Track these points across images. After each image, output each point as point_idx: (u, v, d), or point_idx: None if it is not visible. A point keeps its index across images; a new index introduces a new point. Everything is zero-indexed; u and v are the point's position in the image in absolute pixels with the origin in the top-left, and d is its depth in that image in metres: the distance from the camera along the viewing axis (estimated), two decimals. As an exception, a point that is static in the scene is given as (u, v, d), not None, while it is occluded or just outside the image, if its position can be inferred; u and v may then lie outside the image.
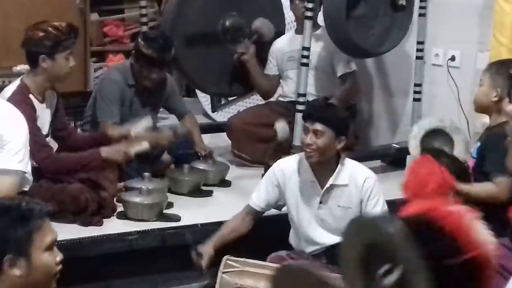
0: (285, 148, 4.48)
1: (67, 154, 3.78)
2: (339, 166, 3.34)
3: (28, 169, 3.28)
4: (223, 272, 3.16)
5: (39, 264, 2.05)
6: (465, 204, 1.51)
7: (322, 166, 3.34)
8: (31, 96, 3.65)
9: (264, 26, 4.98)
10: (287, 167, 3.43)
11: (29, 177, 3.34)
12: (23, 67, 4.21)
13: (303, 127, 3.37)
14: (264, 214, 3.57)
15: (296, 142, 4.33)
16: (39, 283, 2.08)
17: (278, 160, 3.56)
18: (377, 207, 3.32)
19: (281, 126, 4.68)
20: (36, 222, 2.05)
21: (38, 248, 2.05)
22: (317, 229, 3.39)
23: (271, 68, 5.10)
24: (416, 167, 3.28)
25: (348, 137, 3.45)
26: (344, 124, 3.39)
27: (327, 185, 3.33)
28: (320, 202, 3.36)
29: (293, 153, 3.83)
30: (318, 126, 3.26)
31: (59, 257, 2.13)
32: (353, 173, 3.35)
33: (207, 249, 3.40)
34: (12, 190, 3.16)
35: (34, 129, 3.50)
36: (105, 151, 3.72)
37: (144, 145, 3.77)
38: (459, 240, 1.41)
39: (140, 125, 4.03)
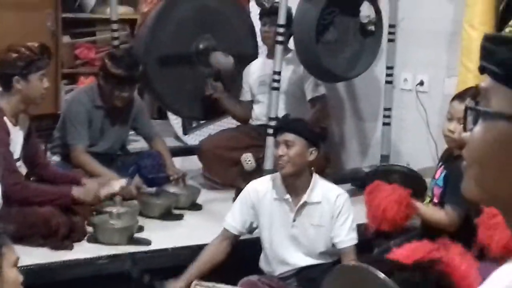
0: (255, 174, 4.49)
1: (37, 184, 3.77)
2: (311, 183, 3.36)
3: (-1, 192, 3.27)
4: (193, 297, 3.14)
5: (10, 280, 2.12)
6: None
7: (295, 182, 3.35)
8: (5, 118, 3.63)
9: (220, 60, 4.86)
10: (261, 186, 3.45)
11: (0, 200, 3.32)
12: (-4, 88, 4.18)
13: (275, 143, 3.39)
14: (235, 238, 3.57)
15: (267, 166, 4.34)
16: None
17: (252, 181, 3.57)
18: (345, 224, 3.34)
19: (246, 159, 4.68)
20: (3, 238, 2.15)
21: (8, 262, 2.12)
22: (289, 248, 3.40)
23: (245, 94, 5.12)
24: (370, 196, 3.30)
25: (320, 153, 3.45)
26: (314, 135, 3.41)
27: (301, 202, 3.35)
28: (294, 221, 3.37)
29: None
30: (289, 136, 3.30)
31: (21, 277, 2.20)
32: (325, 191, 3.37)
33: (178, 285, 3.31)
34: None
35: (6, 154, 3.49)
36: (76, 190, 3.72)
37: (115, 188, 3.79)
38: None
39: (113, 185, 4.03)
